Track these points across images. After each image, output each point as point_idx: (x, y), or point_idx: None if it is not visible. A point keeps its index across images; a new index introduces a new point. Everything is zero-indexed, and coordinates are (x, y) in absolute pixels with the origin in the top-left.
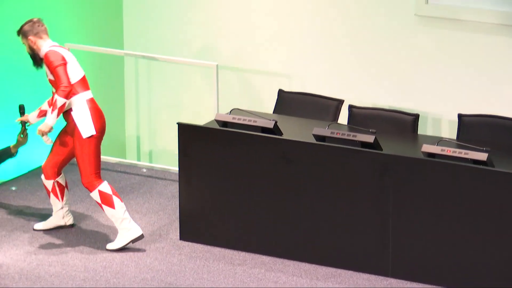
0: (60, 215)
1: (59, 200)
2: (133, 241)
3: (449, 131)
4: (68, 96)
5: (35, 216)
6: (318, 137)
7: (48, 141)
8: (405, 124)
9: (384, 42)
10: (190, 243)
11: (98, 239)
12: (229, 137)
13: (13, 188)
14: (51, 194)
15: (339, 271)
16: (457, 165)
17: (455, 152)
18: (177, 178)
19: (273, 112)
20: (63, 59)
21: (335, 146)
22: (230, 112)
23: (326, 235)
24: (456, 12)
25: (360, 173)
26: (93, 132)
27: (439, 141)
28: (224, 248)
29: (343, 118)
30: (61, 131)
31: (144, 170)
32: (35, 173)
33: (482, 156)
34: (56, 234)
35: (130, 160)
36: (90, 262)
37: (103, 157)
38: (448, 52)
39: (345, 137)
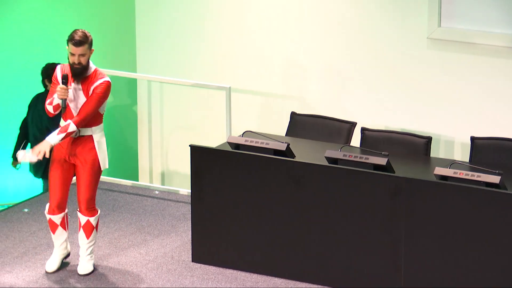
0: (64, 246)
1: (66, 230)
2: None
3: (462, 153)
4: (84, 123)
5: (46, 238)
6: (331, 160)
7: (31, 158)
8: (417, 146)
9: (397, 65)
10: (202, 265)
11: (110, 260)
12: (241, 159)
13: (26, 210)
14: (59, 228)
15: None
16: (470, 188)
17: (467, 175)
18: (189, 199)
19: (286, 135)
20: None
21: (347, 169)
22: (242, 134)
23: (338, 258)
24: (468, 35)
25: (372, 195)
26: (106, 166)
27: (451, 163)
28: (237, 270)
29: (355, 141)
30: (58, 159)
31: (157, 192)
32: (47, 195)
33: (495, 179)
34: (68, 256)
35: (143, 182)
36: (102, 283)
37: (116, 180)
38: (460, 75)
39: (358, 159)
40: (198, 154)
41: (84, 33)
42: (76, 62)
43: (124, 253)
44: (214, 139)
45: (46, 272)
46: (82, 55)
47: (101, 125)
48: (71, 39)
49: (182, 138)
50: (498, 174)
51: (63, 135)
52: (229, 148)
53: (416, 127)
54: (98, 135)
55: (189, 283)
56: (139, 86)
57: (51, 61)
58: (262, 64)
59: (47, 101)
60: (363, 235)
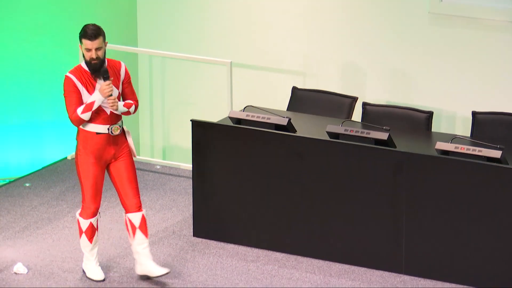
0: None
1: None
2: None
3: (463, 128)
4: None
5: (48, 213)
6: (332, 134)
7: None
8: (419, 121)
9: (398, 40)
10: (203, 240)
11: (111, 235)
12: (242, 134)
13: (27, 185)
14: (96, 234)
15: (353, 268)
16: (471, 163)
17: (469, 149)
18: (190, 174)
19: (287, 110)
20: None
21: (348, 144)
22: (244, 109)
23: (339, 232)
24: (470, 10)
25: (373, 170)
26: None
27: (453, 138)
28: (238, 244)
29: (356, 116)
30: (91, 162)
31: (158, 167)
32: (49, 169)
33: (496, 153)
34: (70, 231)
35: (144, 157)
36: (103, 258)
37: None
38: (462, 50)
39: (359, 134)
40: (199, 128)
41: (96, 25)
42: (94, 56)
43: (125, 227)
44: (215, 114)
45: (97, 280)
46: (99, 48)
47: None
48: (84, 35)
49: (183, 113)
50: (499, 149)
51: (126, 109)
52: (230, 123)
53: (417, 102)
54: (125, 126)
55: (190, 257)
56: (140, 61)
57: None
58: (264, 39)
59: (79, 110)
60: (364, 209)
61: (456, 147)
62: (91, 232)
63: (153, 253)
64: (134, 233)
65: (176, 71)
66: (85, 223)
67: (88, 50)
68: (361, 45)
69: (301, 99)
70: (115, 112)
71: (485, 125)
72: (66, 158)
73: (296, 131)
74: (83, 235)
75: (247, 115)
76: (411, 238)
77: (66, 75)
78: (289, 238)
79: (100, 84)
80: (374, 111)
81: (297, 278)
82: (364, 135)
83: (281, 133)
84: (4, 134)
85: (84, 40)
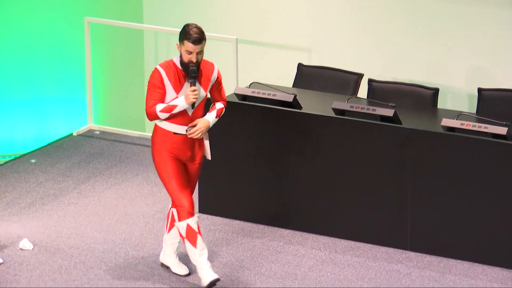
0: (208, 263)
1: (204, 242)
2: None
3: (469, 105)
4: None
5: (54, 189)
6: (338, 111)
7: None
8: (424, 98)
9: (404, 17)
10: (209, 216)
11: (117, 211)
12: (248, 110)
13: (33, 161)
14: (198, 236)
15: (358, 244)
16: (477, 139)
17: (474, 126)
18: None
19: (293, 86)
20: None
21: (354, 120)
22: (249, 85)
23: (345, 209)
24: None
25: (379, 147)
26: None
27: (458, 115)
28: (243, 221)
29: (362, 92)
30: (173, 159)
31: None
32: (55, 145)
33: (502, 130)
34: (75, 207)
35: (150, 133)
36: (109, 234)
37: (123, 131)
38: (468, 26)
39: (365, 111)
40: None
41: (200, 28)
42: (194, 60)
43: (131, 203)
44: None
45: (184, 275)
46: (199, 53)
47: None
48: (188, 37)
49: None
50: (505, 126)
51: (218, 118)
52: (236, 99)
53: (423, 79)
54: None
55: None
56: (146, 37)
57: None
58: (269, 15)
59: (158, 108)
60: (370, 186)
61: (462, 124)
62: (192, 235)
63: (158, 229)
64: (171, 227)
65: None
66: (182, 226)
67: (189, 53)
68: (367, 21)
69: (307, 76)
70: (198, 137)
71: (491, 101)
72: (71, 134)
73: (301, 107)
74: (186, 241)
75: (252, 92)
76: (417, 215)
77: (155, 68)
78: (294, 214)
79: (187, 86)
80: (380, 88)
81: (302, 255)
82: (370, 111)
83: (287, 110)
84: (10, 110)
85: (186, 42)
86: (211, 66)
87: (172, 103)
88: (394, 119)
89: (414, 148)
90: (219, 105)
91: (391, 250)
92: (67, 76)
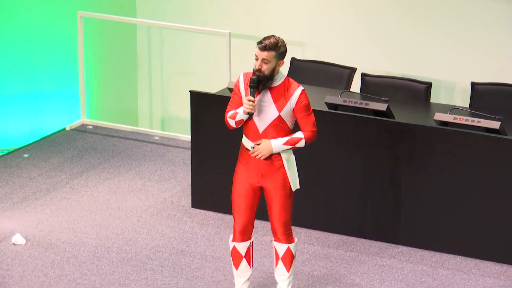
0: (247, 285)
1: (250, 266)
2: None
3: (462, 99)
4: (315, 136)
5: (46, 184)
6: (331, 105)
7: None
8: (417, 92)
9: (397, 10)
10: (202, 211)
11: (110, 206)
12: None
13: (26, 155)
14: (243, 261)
15: (351, 238)
16: (470, 134)
17: (467, 120)
18: (189, 145)
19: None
20: None
21: (347, 115)
22: None
23: (337, 203)
24: None
25: (372, 141)
26: (299, 186)
27: (451, 109)
28: None
29: (355, 87)
30: (244, 181)
31: (156, 138)
32: (48, 140)
33: (495, 124)
34: (68, 202)
35: (143, 127)
36: (102, 229)
37: (116, 125)
38: (461, 19)
39: (358, 105)
40: (198, 99)
41: (277, 40)
42: (257, 67)
43: (124, 198)
44: (214, 85)
45: None
46: (266, 62)
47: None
48: (259, 42)
49: (182, 83)
50: (498, 120)
51: (289, 147)
52: (229, 94)
53: (416, 73)
54: (286, 153)
55: (189, 228)
56: (139, 31)
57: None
58: (262, 9)
59: (228, 114)
60: (363, 181)
61: (455, 118)
62: (236, 257)
63: (151, 224)
64: (277, 262)
65: (175, 42)
66: (230, 245)
67: (256, 58)
68: (361, 15)
69: (300, 70)
70: (259, 156)
71: (484, 96)
72: (64, 129)
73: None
74: (231, 259)
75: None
76: (410, 209)
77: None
78: None
79: (261, 98)
80: (373, 82)
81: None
82: (363, 106)
83: None
84: (3, 104)
85: (256, 47)
86: (294, 88)
87: (238, 110)
88: (387, 113)
89: (407, 143)
90: (298, 134)
91: (383, 245)
92: (60, 70)
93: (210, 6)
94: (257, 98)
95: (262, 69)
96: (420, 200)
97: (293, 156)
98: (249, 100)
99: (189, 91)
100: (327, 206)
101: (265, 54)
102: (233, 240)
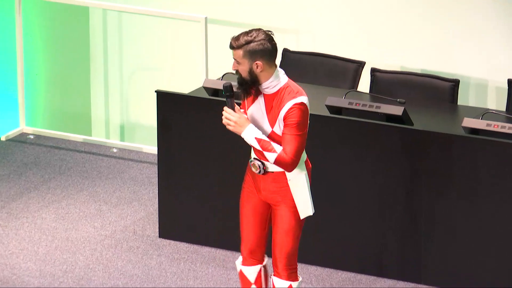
0: None
1: None
2: None
3: (497, 101)
4: (291, 166)
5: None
6: (333, 109)
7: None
8: (441, 92)
9: None
10: (172, 242)
11: (57, 236)
12: (220, 108)
13: None
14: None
15: (359, 276)
16: (506, 144)
17: (504, 127)
18: (155, 159)
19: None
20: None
21: (354, 120)
22: (222, 77)
23: (340, 232)
24: None
25: (385, 153)
26: (311, 213)
27: (484, 113)
28: (214, 247)
29: (364, 85)
30: (248, 190)
31: (115, 150)
32: None
33: None
34: (4, 230)
35: (97, 137)
36: (47, 265)
37: (64, 134)
38: (494, 3)
39: (367, 108)
40: (167, 102)
41: (250, 36)
42: (232, 68)
43: (74, 226)
44: (186, 84)
45: None
46: (238, 62)
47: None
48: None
49: (146, 82)
50: None
51: (257, 147)
52: (205, 95)
53: (439, 68)
54: (294, 174)
55: (156, 264)
56: (92, 16)
57: None
58: None
59: None
60: (373, 202)
61: (488, 124)
62: (244, 283)
63: (108, 258)
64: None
65: (137, 30)
66: (237, 267)
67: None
68: None
69: (294, 64)
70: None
71: None
72: None
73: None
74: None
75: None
76: (432, 239)
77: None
78: None
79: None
80: (386, 79)
81: None
82: (373, 109)
83: None
84: None
85: None
86: (288, 98)
87: None
88: (404, 118)
89: (429, 155)
90: (276, 147)
91: (400, 284)
92: None
93: None
94: (250, 109)
95: (239, 71)
96: (445, 228)
97: (302, 176)
98: (225, 111)
99: (155, 91)
100: (326, 235)
101: (234, 53)
102: (241, 263)
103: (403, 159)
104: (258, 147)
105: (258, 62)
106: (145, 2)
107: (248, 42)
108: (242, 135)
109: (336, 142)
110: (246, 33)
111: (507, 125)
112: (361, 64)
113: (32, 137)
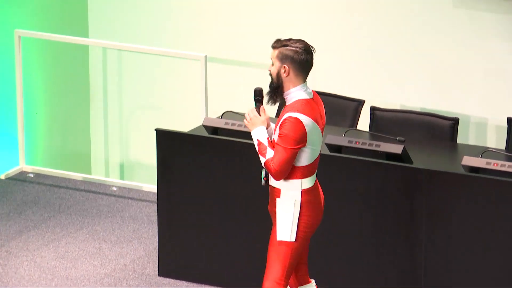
0: None
1: None
2: None
3: (496, 139)
4: (274, 176)
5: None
6: (333, 147)
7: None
8: (441, 130)
9: (415, 28)
10: (171, 280)
11: (56, 274)
12: (220, 146)
13: None
14: None
15: None
16: (506, 182)
17: (504, 165)
18: (155, 198)
19: (276, 115)
20: (304, 141)
21: (353, 158)
22: (221, 115)
23: (339, 268)
24: None
25: (385, 191)
26: (290, 239)
27: (484, 151)
28: (214, 286)
29: (363, 123)
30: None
31: (114, 189)
32: None
33: None
34: (3, 269)
35: (97, 176)
36: None
37: (63, 172)
38: (493, 41)
39: (366, 146)
40: (166, 140)
41: (286, 41)
42: (268, 69)
43: (73, 265)
44: (186, 122)
45: None
46: (272, 63)
47: (297, 182)
48: None
49: (145, 120)
50: None
51: (256, 147)
52: (205, 133)
53: (439, 106)
54: (286, 193)
55: None
56: (92, 55)
57: None
58: (246, 28)
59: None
60: (373, 240)
61: (487, 163)
62: None
63: None
64: None
65: (136, 68)
66: None
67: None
68: (368, 34)
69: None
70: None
71: None
72: None
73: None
74: None
75: (225, 123)
76: (431, 273)
77: None
78: None
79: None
80: (385, 118)
81: None
82: (373, 147)
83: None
84: None
85: None
86: (286, 111)
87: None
88: (403, 156)
89: (428, 193)
90: (269, 152)
91: None
92: None
93: (182, 25)
94: (268, 118)
95: (270, 71)
96: (444, 264)
97: (290, 202)
98: (251, 112)
99: (155, 130)
100: (328, 271)
101: (271, 53)
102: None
103: (403, 197)
104: (256, 148)
105: (286, 67)
106: (144, 41)
107: (284, 45)
108: (251, 133)
109: (336, 180)
110: (289, 39)
111: (507, 163)
112: (360, 103)
113: (32, 175)
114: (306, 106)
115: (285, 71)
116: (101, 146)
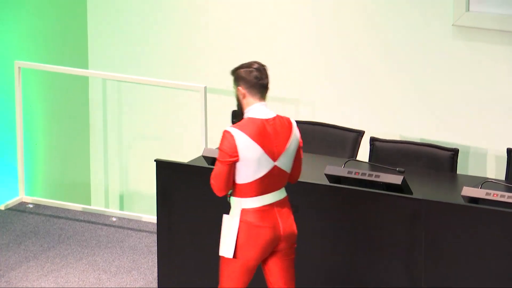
0: None
1: None
2: None
3: (496, 170)
4: (215, 191)
5: None
6: (332, 178)
7: None
8: (440, 161)
9: (414, 59)
10: None
11: None
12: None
13: None
14: None
15: None
16: (506, 213)
17: (503, 196)
18: (154, 228)
19: None
20: (235, 155)
21: (353, 189)
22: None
23: None
24: (503, 21)
25: (384, 222)
26: (228, 256)
27: (483, 182)
28: None
29: (363, 154)
30: None
31: (114, 219)
32: None
33: None
34: None
35: (96, 206)
36: None
37: (63, 203)
38: (494, 72)
39: (366, 177)
40: (166, 171)
41: (241, 64)
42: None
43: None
44: (186, 152)
45: None
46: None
47: (237, 200)
48: None
49: (145, 151)
50: None
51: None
52: (204, 164)
53: (438, 137)
54: (232, 209)
55: None
56: (91, 86)
57: None
58: (245, 59)
59: None
60: (373, 270)
61: (487, 194)
62: None
63: None
64: None
65: (136, 99)
66: None
67: None
68: (368, 66)
69: None
70: None
71: None
72: None
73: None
74: None
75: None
76: None
77: None
78: None
79: None
80: (385, 148)
81: None
82: (373, 178)
83: None
84: None
85: None
86: (287, 120)
87: None
88: (403, 187)
89: (428, 224)
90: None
91: None
92: None
93: (182, 56)
94: None
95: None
96: None
97: (234, 220)
98: None
99: (155, 161)
100: None
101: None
102: None
103: (403, 228)
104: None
105: (240, 88)
106: (144, 72)
107: (238, 68)
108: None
109: (335, 211)
110: (244, 63)
111: (507, 194)
112: (360, 133)
113: (31, 206)
114: (248, 123)
115: (241, 92)
116: (100, 176)
